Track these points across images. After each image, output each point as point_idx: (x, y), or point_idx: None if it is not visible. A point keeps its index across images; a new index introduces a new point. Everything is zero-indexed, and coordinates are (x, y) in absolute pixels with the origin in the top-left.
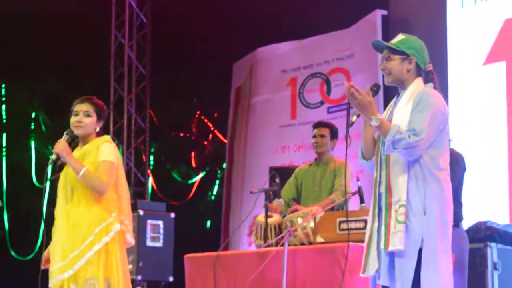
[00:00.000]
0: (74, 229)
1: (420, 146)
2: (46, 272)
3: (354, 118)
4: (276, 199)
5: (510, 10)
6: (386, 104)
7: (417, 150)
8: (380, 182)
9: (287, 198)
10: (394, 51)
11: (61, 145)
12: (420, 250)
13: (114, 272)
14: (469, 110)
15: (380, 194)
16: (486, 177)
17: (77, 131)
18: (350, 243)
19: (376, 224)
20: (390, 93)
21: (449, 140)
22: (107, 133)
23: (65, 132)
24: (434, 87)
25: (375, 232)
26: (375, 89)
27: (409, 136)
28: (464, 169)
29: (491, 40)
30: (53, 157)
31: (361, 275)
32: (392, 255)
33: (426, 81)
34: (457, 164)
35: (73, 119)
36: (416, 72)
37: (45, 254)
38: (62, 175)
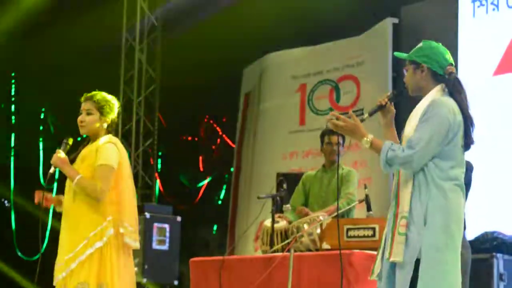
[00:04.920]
0: (71, 232)
1: (415, 159)
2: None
3: (365, 116)
4: (284, 205)
5: None
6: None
7: (413, 163)
8: (394, 190)
9: (297, 205)
10: (409, 61)
11: (56, 156)
12: (418, 261)
13: (108, 276)
14: (478, 120)
15: (392, 202)
16: (494, 187)
17: (80, 131)
18: (357, 251)
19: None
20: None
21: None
22: (116, 135)
23: (63, 141)
24: (454, 94)
25: (383, 239)
26: (395, 93)
27: (402, 151)
28: (470, 178)
29: (502, 50)
30: (52, 170)
31: (369, 278)
32: (393, 264)
33: (448, 86)
34: None
35: (78, 118)
36: (433, 78)
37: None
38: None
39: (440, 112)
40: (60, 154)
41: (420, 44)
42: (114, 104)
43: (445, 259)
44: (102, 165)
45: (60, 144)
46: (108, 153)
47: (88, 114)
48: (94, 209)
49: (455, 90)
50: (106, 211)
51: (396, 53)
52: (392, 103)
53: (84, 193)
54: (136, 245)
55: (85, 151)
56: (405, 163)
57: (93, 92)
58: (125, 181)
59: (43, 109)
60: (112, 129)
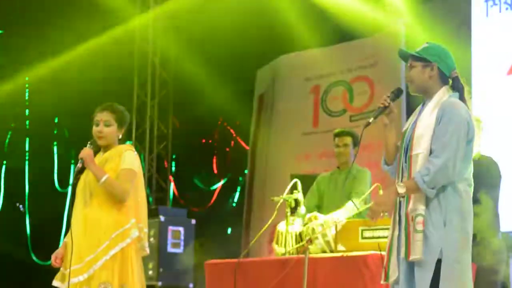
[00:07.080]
0: (91, 233)
1: (448, 164)
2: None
3: (371, 120)
4: (298, 207)
5: None
6: (408, 112)
7: (448, 170)
8: None
9: (311, 206)
10: (416, 58)
11: (86, 151)
12: (439, 261)
13: (129, 277)
14: (493, 119)
15: (400, 202)
16: (510, 186)
17: (99, 142)
18: (372, 252)
19: (396, 232)
20: (414, 101)
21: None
22: (130, 138)
23: (88, 142)
24: (461, 96)
25: (395, 240)
26: (395, 93)
27: (432, 165)
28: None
29: None
30: (79, 164)
31: (382, 282)
32: (411, 264)
33: (452, 89)
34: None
35: (94, 129)
36: (440, 79)
37: (58, 252)
38: (82, 179)
39: (460, 112)
40: (90, 150)
41: (426, 44)
42: (127, 115)
43: (462, 259)
44: (127, 168)
45: (88, 145)
46: (131, 159)
47: (107, 125)
48: (117, 210)
49: (461, 96)
50: (128, 212)
51: (401, 50)
52: (393, 102)
53: (107, 193)
54: (147, 250)
55: (105, 156)
56: (441, 173)
57: (109, 103)
58: (141, 189)
59: (57, 114)
60: (122, 139)
